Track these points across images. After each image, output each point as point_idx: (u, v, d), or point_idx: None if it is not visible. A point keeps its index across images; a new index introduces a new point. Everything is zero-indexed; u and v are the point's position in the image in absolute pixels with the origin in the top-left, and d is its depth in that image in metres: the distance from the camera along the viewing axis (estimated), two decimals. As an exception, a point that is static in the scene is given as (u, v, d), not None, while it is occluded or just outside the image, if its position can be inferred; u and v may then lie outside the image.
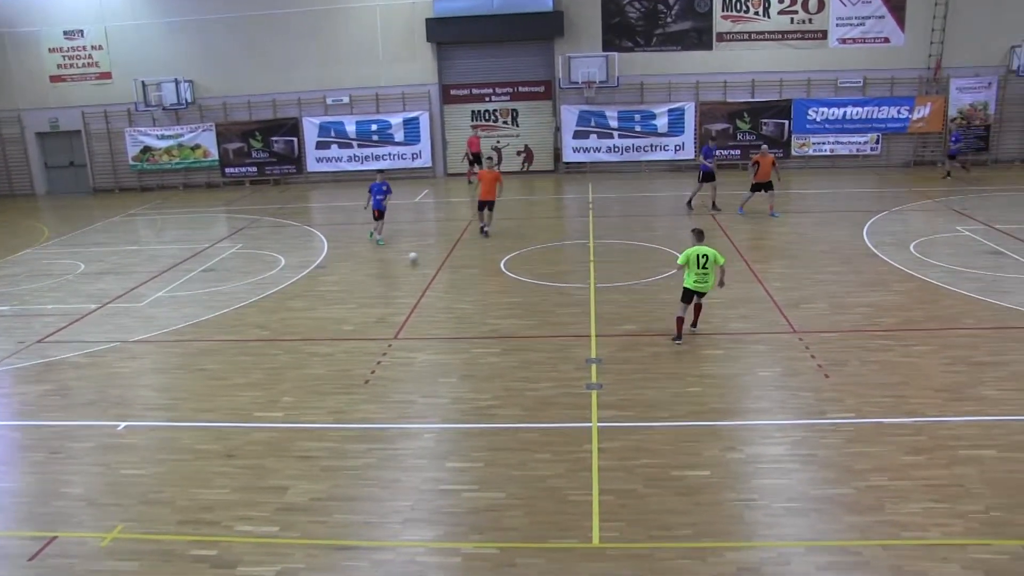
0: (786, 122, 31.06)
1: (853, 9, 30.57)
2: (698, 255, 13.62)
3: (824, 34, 30.79)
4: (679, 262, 13.79)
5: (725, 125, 31.18)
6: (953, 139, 29.26)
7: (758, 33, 30.73)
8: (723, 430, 11.04)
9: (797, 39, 30.77)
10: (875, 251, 19.69)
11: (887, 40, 30.84)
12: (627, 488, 9.62)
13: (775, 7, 30.51)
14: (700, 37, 30.91)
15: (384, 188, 21.55)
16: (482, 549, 8.59)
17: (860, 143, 30.86)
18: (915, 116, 31.07)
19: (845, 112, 30.97)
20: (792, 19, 30.65)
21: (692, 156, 31.30)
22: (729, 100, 31.15)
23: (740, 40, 30.79)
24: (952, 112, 31.02)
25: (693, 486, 9.66)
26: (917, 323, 14.96)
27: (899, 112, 31.10)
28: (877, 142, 31.12)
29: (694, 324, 14.39)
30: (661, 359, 13.47)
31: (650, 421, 11.27)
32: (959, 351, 13.61)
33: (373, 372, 13.24)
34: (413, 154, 32.28)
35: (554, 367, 13.22)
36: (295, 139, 32.69)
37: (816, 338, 14.18)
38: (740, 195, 24.61)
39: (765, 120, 31.06)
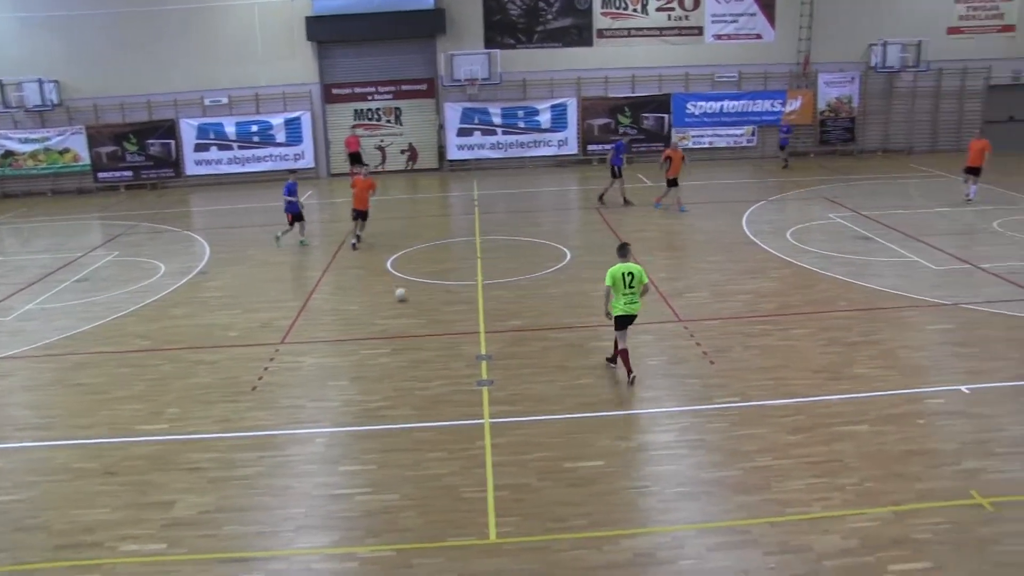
0: (666, 116, 31.75)
1: (727, 7, 31.47)
2: (623, 273, 12.03)
3: (700, 31, 31.62)
4: (606, 283, 12.11)
5: (607, 120, 31.67)
6: (784, 131, 30.48)
7: (637, 29, 31.34)
8: (614, 420, 11.23)
9: (675, 35, 31.51)
10: (754, 239, 20.31)
11: (759, 36, 31.87)
12: (521, 482, 9.68)
13: (653, 4, 31.15)
14: (581, 34, 31.31)
15: (289, 188, 21.10)
16: (378, 552, 8.51)
17: (737, 135, 31.80)
18: (787, 109, 32.17)
19: (722, 106, 31.86)
20: (669, 16, 31.36)
21: (575, 151, 31.71)
22: (610, 95, 31.65)
23: (620, 36, 31.34)
24: (821, 105, 32.24)
25: (586, 477, 9.79)
26: (795, 307, 15.50)
27: (772, 105, 32.16)
28: (753, 134, 32.11)
29: (628, 370, 12.29)
30: (550, 353, 13.59)
31: (541, 415, 11.37)
32: (834, 333, 14.17)
33: (261, 378, 12.97)
34: (295, 155, 31.73)
35: (444, 365, 13.19)
36: (172, 141, 31.72)
37: (700, 326, 14.55)
38: (603, 189, 25.07)
39: (646, 114, 31.68)
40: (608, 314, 12.33)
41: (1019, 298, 15.75)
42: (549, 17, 31.14)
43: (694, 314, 15.20)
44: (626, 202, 24.84)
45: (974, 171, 23.28)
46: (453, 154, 31.77)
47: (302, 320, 15.66)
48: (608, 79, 31.50)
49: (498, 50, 30.77)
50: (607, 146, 30.94)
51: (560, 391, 12.11)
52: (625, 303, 12.09)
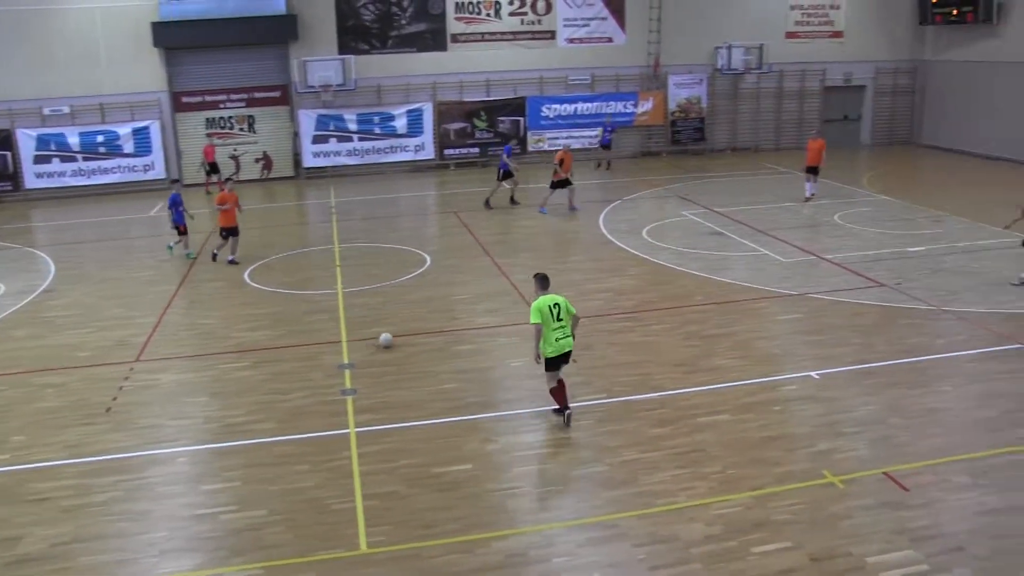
0: (521, 119, 32.06)
1: (578, 11, 32.06)
2: (550, 306, 10.79)
3: (553, 34, 32.08)
4: (532, 320, 10.75)
5: (463, 124, 31.74)
6: (607, 129, 30.96)
7: (491, 34, 31.54)
8: (480, 423, 11.22)
9: (528, 39, 31.86)
10: (611, 239, 20.71)
11: (610, 40, 32.59)
12: (390, 491, 9.57)
13: (506, 9, 31.42)
14: (435, 38, 31.27)
15: (175, 199, 20.16)
16: (246, 571, 8.25)
17: (591, 137, 32.33)
18: (640, 110, 33.01)
19: (576, 108, 32.40)
20: (522, 20, 31.69)
21: (432, 156, 31.63)
22: (466, 100, 31.73)
23: (474, 41, 31.47)
24: (671, 106, 33.20)
25: (455, 481, 9.75)
26: (654, 303, 15.89)
27: (625, 107, 32.93)
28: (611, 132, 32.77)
29: (565, 407, 11.16)
30: (414, 359, 13.50)
31: (408, 421, 11.27)
32: (692, 326, 14.59)
33: (115, 399, 12.37)
34: (145, 166, 30.48)
35: (306, 376, 12.92)
36: (8, 153, 29.94)
37: (563, 326, 14.71)
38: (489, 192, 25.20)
39: (502, 118, 31.90)
40: (538, 357, 10.94)
41: (860, 286, 16.61)
42: (403, 22, 30.98)
43: (557, 314, 15.35)
44: (513, 202, 25.06)
45: (813, 170, 24.28)
46: (309, 162, 31.19)
47: (158, 336, 15.04)
48: (463, 83, 31.58)
49: (352, 56, 30.38)
50: (460, 150, 31.26)
51: (425, 396, 12.04)
52: (556, 339, 10.78)
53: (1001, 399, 11.75)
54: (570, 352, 10.99)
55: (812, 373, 12.64)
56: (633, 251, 19.58)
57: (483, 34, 31.45)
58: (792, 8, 34.01)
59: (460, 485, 9.67)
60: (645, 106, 33.01)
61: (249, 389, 12.54)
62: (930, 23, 34.28)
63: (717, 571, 8.05)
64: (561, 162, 23.69)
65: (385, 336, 14.01)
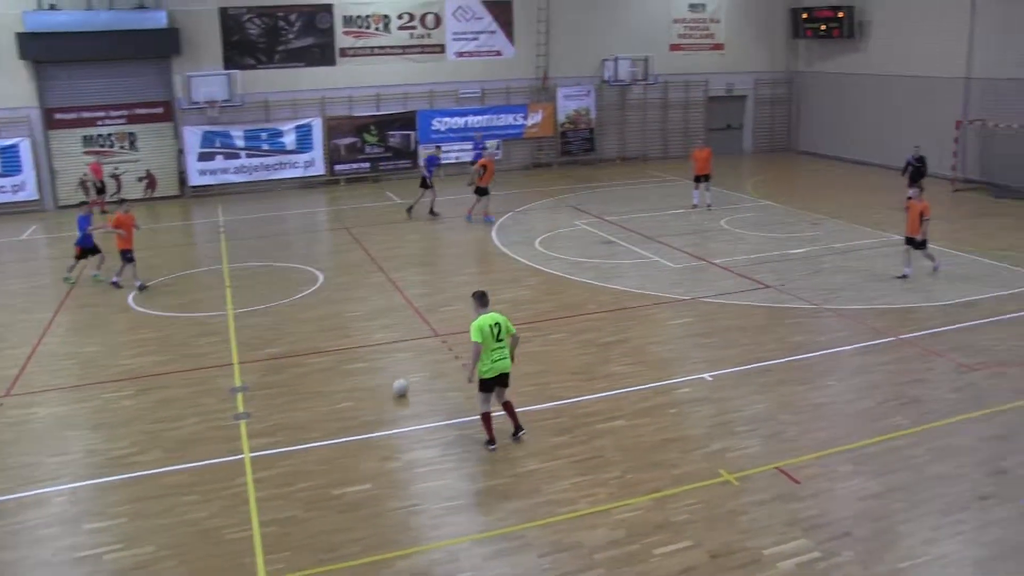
0: (412, 133, 31.94)
1: (467, 24, 32.17)
2: (490, 325, 10.49)
3: (442, 48, 32.09)
4: (473, 338, 10.41)
5: (353, 139, 31.41)
6: (478, 145, 30.16)
7: (380, 48, 31.33)
8: (378, 441, 11.09)
9: (418, 53, 31.78)
10: (505, 250, 20.80)
11: (499, 53, 32.80)
12: (288, 515, 9.36)
13: (395, 23, 31.26)
14: (323, 53, 30.88)
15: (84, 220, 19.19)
16: (135, 606, 7.94)
17: (484, 150, 32.37)
18: (530, 122, 33.29)
19: (467, 121, 32.46)
20: (411, 34, 31.59)
21: (322, 172, 31.18)
22: (356, 114, 31.42)
23: (363, 55, 31.20)
24: (561, 118, 33.59)
25: (355, 502, 9.60)
26: (549, 313, 16.00)
27: (515, 119, 33.16)
28: (498, 148, 32.90)
29: (517, 430, 11.00)
30: (308, 379, 13.26)
31: (304, 443, 11.05)
32: (587, 335, 14.74)
33: (-13, 434, 11.75)
34: (14, 186, 29.13)
35: (197, 402, 12.53)
36: None
37: (458, 339, 14.67)
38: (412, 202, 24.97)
39: (392, 132, 31.69)
40: (471, 379, 10.71)
41: (747, 288, 17.08)
42: (290, 36, 30.51)
43: (451, 327, 15.32)
44: (432, 213, 25.06)
45: (702, 179, 24.83)
46: (195, 180, 30.40)
47: (32, 367, 14.34)
48: (353, 98, 31.28)
49: (238, 71, 29.74)
50: (351, 165, 31.01)
51: (321, 417, 11.84)
52: (495, 360, 10.53)
53: (878, 390, 12.28)
54: (507, 374, 10.77)
55: (705, 375, 12.92)
56: (527, 262, 19.70)
57: (372, 48, 31.23)
58: (675, 22, 34.89)
59: (360, 505, 9.53)
60: (535, 118, 33.31)
61: (135, 418, 12.08)
62: (802, 37, 35.74)
63: (622, 575, 8.13)
64: (484, 168, 23.89)
65: (400, 384, 12.49)
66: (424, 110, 31.94)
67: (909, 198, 18.05)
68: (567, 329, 15.13)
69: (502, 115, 32.91)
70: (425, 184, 25.26)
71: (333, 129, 31.16)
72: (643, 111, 35.13)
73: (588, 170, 33.15)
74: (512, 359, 10.84)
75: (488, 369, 10.55)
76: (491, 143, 32.31)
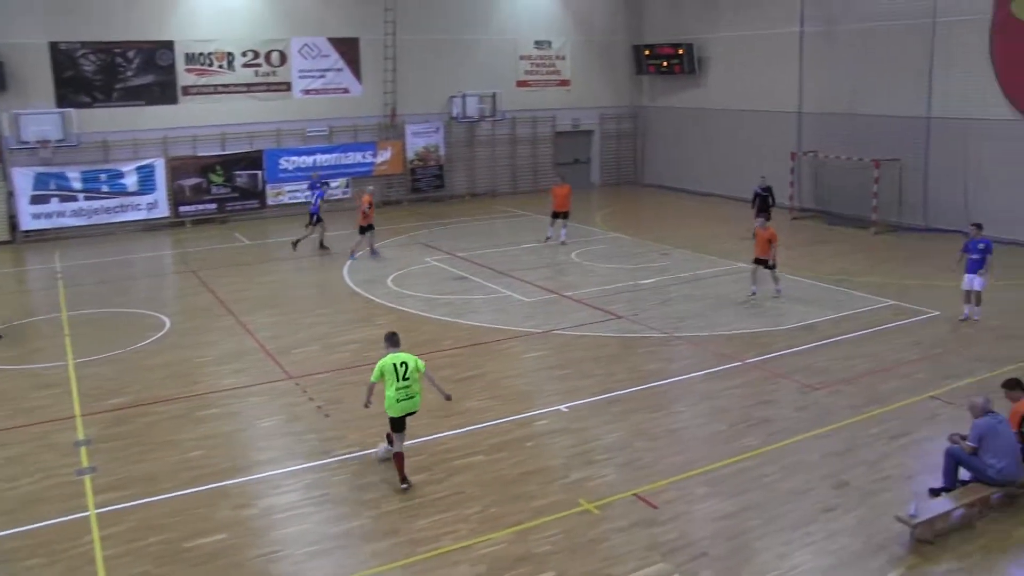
0: (259, 172, 31.27)
1: (313, 62, 31.85)
2: (395, 364, 10.55)
3: (289, 86, 31.63)
4: (372, 379, 10.60)
5: (199, 180, 30.47)
6: (312, 186, 27.03)
7: (224, 86, 30.62)
8: (233, 489, 10.76)
9: (263, 91, 31.22)
10: (357, 289, 20.61)
11: (347, 91, 32.62)
12: (139, 572, 8.96)
13: (239, 61, 30.61)
14: (164, 91, 29.93)
15: None
16: None
17: (332, 188, 32.09)
18: (379, 160, 33.18)
19: (315, 159, 32.02)
20: (256, 72, 31.02)
21: (167, 214, 30.09)
22: (200, 154, 30.56)
23: (207, 93, 30.41)
24: (410, 155, 33.64)
25: (210, 553, 9.28)
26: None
27: (364, 157, 32.98)
28: (347, 186, 32.64)
29: (403, 478, 10.70)
30: (157, 428, 12.74)
31: (154, 496, 10.59)
32: (444, 371, 14.67)
33: None
34: None
35: (37, 458, 11.81)
36: None
37: (312, 380, 14.46)
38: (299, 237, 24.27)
39: (239, 172, 30.94)
40: (367, 404, 10.85)
41: (599, 320, 17.49)
42: (129, 74, 29.44)
43: (305, 369, 15.06)
44: (322, 247, 24.96)
45: (560, 215, 25.27)
46: (27, 224, 28.82)
47: None
48: (197, 137, 30.43)
49: (73, 109, 28.46)
50: (197, 206, 30.16)
51: (172, 467, 11.39)
52: (399, 399, 10.54)
53: (728, 413, 12.78)
54: (415, 413, 10.78)
55: (561, 406, 13.13)
56: (380, 300, 19.57)
57: (216, 86, 30.50)
58: (521, 58, 35.62)
59: (217, 556, 9.20)
60: (384, 155, 33.24)
61: (-33, 478, 11.34)
62: (645, 73, 37.17)
63: (483, 611, 8.14)
64: (370, 206, 23.89)
65: (381, 448, 11.49)
66: (271, 149, 31.37)
67: (757, 228, 18.98)
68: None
69: (351, 153, 32.69)
70: (313, 220, 25.15)
71: (177, 169, 30.19)
72: (492, 147, 35.62)
73: (438, 207, 33.28)
74: (441, 393, 10.99)
75: (395, 410, 10.57)
76: (338, 182, 31.99)
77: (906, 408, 12.86)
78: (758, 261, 18.87)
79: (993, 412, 10.05)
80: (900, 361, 14.94)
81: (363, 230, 24.01)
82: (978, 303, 17.21)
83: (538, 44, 35.91)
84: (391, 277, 21.63)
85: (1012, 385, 10.55)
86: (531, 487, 10.57)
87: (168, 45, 29.56)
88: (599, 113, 37.83)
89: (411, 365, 10.64)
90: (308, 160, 31.85)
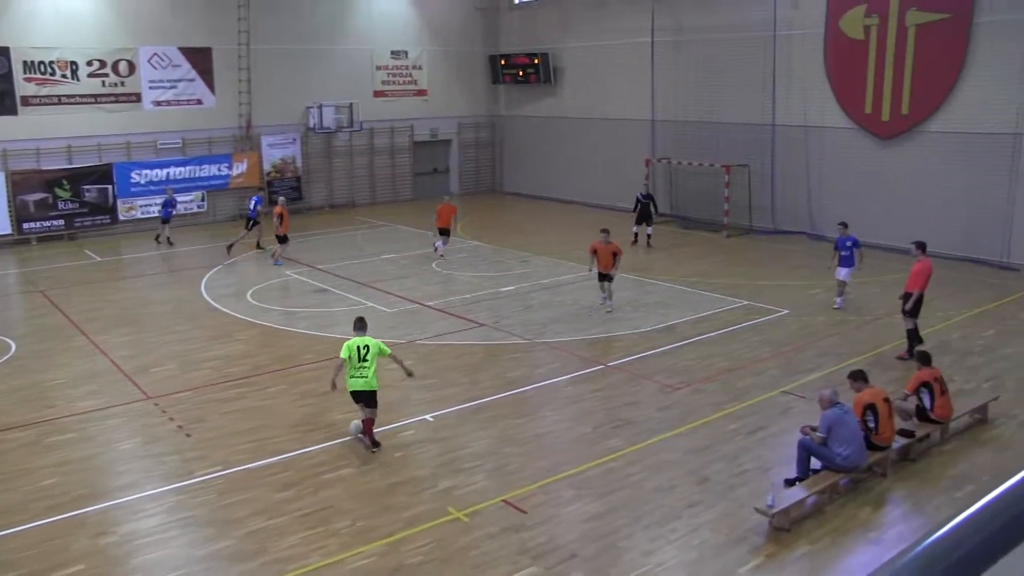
0: (110, 187, 30.01)
1: (164, 72, 30.74)
2: (358, 347, 11.69)
3: (139, 97, 30.41)
4: (341, 355, 11.72)
5: (44, 195, 28.95)
6: (166, 204, 27.76)
7: (69, 97, 29.22)
8: (91, 516, 10.32)
9: (111, 102, 29.95)
10: (216, 305, 20.09)
11: (200, 102, 31.65)
12: (-13, 609, 8.50)
13: (84, 70, 29.24)
14: (3, 101, 28.34)
15: None
16: None
17: (187, 202, 31.12)
18: (235, 172, 32.37)
19: (168, 173, 30.96)
20: (104, 82, 29.72)
21: (9, 231, 28.44)
22: (44, 168, 29.07)
23: (50, 104, 28.94)
24: (266, 167, 32.95)
25: (66, 584, 8.88)
26: (265, 367, 15.64)
27: (219, 169, 32.09)
28: (203, 200, 31.76)
29: (372, 444, 11.83)
30: (7, 458, 12.07)
31: (5, 529, 10.04)
32: (306, 385, 14.56)
33: None
34: None
35: None
36: None
37: (171, 400, 14.02)
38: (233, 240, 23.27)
39: (87, 186, 29.60)
40: (333, 384, 11.93)
41: (462, 328, 17.59)
42: (-39, 84, 27.85)
43: (163, 389, 14.59)
44: (259, 247, 26.02)
45: (445, 232, 24.72)
46: None
47: None
48: (40, 150, 28.93)
49: None
50: (42, 223, 28.79)
51: (24, 497, 10.81)
52: (352, 377, 11.73)
53: (593, 415, 13.08)
54: (368, 392, 11.73)
55: (427, 416, 13.15)
56: (239, 315, 19.14)
57: (60, 97, 29.05)
58: (378, 68, 35.45)
59: (72, 587, 8.83)
60: (240, 168, 32.47)
61: None
62: (502, 82, 37.59)
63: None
64: (280, 217, 23.90)
65: (355, 424, 12.37)
66: (121, 162, 30.17)
67: (597, 242, 18.73)
68: (285, 381, 14.86)
69: (205, 165, 31.78)
70: (249, 224, 26.13)
71: (19, 184, 28.62)
72: (350, 158, 35.32)
73: (297, 219, 32.53)
74: (407, 372, 12.38)
75: (349, 383, 11.78)
76: (192, 196, 31.05)
77: (761, 404, 13.46)
78: (603, 277, 18.69)
79: (840, 403, 10.65)
80: (754, 359, 15.62)
81: (281, 239, 24.25)
82: (841, 294, 18.67)
83: (395, 54, 35.85)
84: (250, 291, 21.17)
85: (855, 376, 11.26)
86: (400, 498, 10.56)
87: (4, 52, 27.88)
88: (457, 122, 38.05)
89: (372, 349, 11.78)
90: (161, 173, 30.78)
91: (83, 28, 28.96)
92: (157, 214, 28.83)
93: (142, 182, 30.48)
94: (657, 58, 30.82)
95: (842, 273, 18.52)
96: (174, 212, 27.90)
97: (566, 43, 34.99)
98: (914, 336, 15.58)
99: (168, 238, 27.53)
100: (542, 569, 8.91)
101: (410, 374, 12.51)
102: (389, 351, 12.06)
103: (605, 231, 18.85)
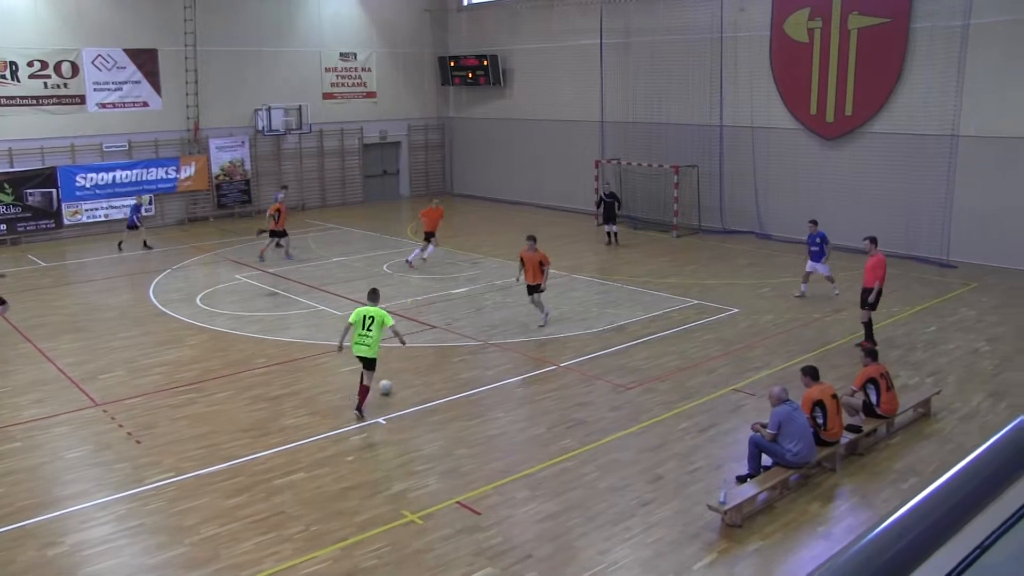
0: (54, 191, 29.40)
1: (109, 74, 30.19)
2: (364, 316, 13.01)
3: (83, 99, 29.82)
4: (350, 319, 13.16)
5: (-17, 199, 28.38)
6: (133, 211, 27.59)
7: (9, 98, 28.54)
8: (37, 527, 10.13)
9: (54, 104, 29.35)
10: (164, 310, 19.82)
11: (146, 104, 31.14)
12: (-69, 623, 8.31)
13: (25, 71, 28.60)
14: (-63, 104, 27.73)
15: None
16: None
17: (134, 206, 30.61)
18: (182, 176, 31.92)
19: (114, 176, 30.42)
20: (46, 84, 29.11)
21: (-52, 237, 27.85)
22: (-16, 172, 28.47)
23: (-12, 106, 28.35)
24: (215, 170, 32.57)
25: (12, 596, 8.72)
26: (215, 372, 15.48)
27: (167, 173, 31.61)
28: (150, 203, 31.28)
29: (358, 408, 13.11)
30: (-51, 467, 11.85)
31: (-53, 539, 9.85)
32: (257, 390, 14.44)
33: None
34: None
35: None
36: None
37: (121, 407, 13.82)
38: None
39: (30, 190, 28.94)
40: (340, 347, 13.33)
41: (414, 330, 17.54)
42: None
43: (112, 395, 14.38)
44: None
45: (430, 235, 24.38)
46: None
47: None
48: (-21, 154, 28.33)
49: None
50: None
51: (-34, 508, 10.61)
52: (356, 343, 13.07)
53: (547, 416, 13.14)
54: (368, 359, 13.03)
55: (379, 419, 13.11)
56: (189, 320, 18.91)
57: (1, 98, 28.45)
58: (327, 71, 35.22)
59: (18, 600, 8.67)
60: (187, 171, 32.03)
61: None
62: (451, 84, 37.55)
63: (311, 630, 8.04)
64: (279, 212, 24.22)
65: (384, 383, 14.02)
66: (66, 166, 29.60)
67: (524, 251, 17.72)
68: (235, 386, 14.72)
69: (152, 168, 31.29)
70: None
71: (-43, 188, 28.00)
72: (299, 160, 35.03)
73: (246, 222, 32.35)
74: (402, 342, 13.63)
75: (354, 350, 13.16)
76: (145, 198, 30.55)
77: (712, 402, 13.63)
78: (531, 289, 17.64)
79: (789, 400, 10.82)
80: (705, 357, 15.80)
81: (274, 234, 24.57)
82: (832, 281, 19.73)
83: (343, 56, 35.65)
84: (200, 295, 20.93)
85: (807, 372, 11.46)
86: (354, 502, 10.52)
87: (-60, 53, 27.26)
88: (407, 125, 37.96)
89: (377, 320, 12.95)
90: (108, 177, 30.25)
91: (21, 28, 28.31)
92: (124, 216, 28.68)
93: (87, 186, 29.94)
94: (606, 60, 31.03)
95: (821, 269, 19.55)
96: (138, 217, 27.39)
97: (515, 45, 35.09)
98: (870, 328, 16.07)
99: (145, 241, 27.09)
100: (498, 570, 8.94)
101: (403, 343, 13.69)
102: (392, 323, 13.12)
103: (531, 238, 17.77)
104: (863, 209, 24.51)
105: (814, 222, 19.69)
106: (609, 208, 26.54)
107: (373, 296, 13.51)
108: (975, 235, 22.74)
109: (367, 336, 12.94)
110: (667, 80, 29.34)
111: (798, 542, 9.68)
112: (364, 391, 13.09)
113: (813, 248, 19.57)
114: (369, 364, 13.09)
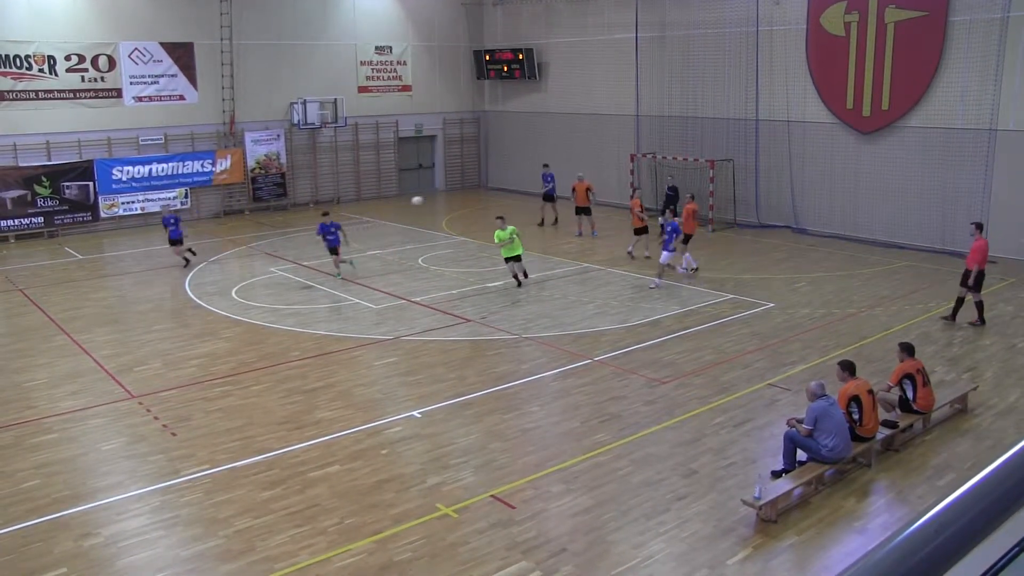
0: (91, 184, 29.73)
1: (145, 68, 30.46)
2: (511, 233, 20.00)
3: (119, 92, 30.14)
4: (504, 236, 19.93)
5: (23, 191, 28.69)
6: (170, 220, 24.65)
7: (47, 92, 28.92)
8: (73, 518, 10.20)
9: (91, 98, 29.65)
10: (200, 302, 19.97)
11: (182, 98, 31.41)
12: (-30, 612, 8.40)
13: (63, 65, 28.93)
14: (-23, 97, 28.09)
15: None
16: None
17: (170, 199, 30.94)
18: (218, 169, 32.16)
19: (151, 169, 30.72)
20: (83, 77, 29.43)
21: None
22: (23, 164, 28.79)
23: (27, 99, 28.64)
24: (250, 163, 32.77)
25: (50, 586, 8.79)
26: (250, 364, 15.54)
27: (203, 166, 31.87)
28: (186, 196, 31.55)
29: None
30: (-13, 457, 11.98)
31: (-16, 530, 9.95)
32: (292, 383, 14.48)
33: None
34: None
35: None
36: None
37: (156, 399, 13.92)
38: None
39: (67, 183, 29.33)
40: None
41: (449, 324, 17.54)
42: (-66, 81, 27.51)
43: (148, 388, 14.48)
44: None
45: (584, 211, 26.13)
46: None
47: None
48: (18, 146, 28.64)
49: None
50: (21, 220, 28.45)
51: (3, 500, 10.64)
52: (504, 248, 20.20)
53: (580, 410, 13.05)
54: (513, 257, 20.12)
55: (414, 412, 13.10)
56: (224, 313, 19.03)
57: (37, 92, 28.76)
58: (362, 64, 35.30)
59: (56, 590, 8.74)
60: (223, 164, 32.26)
61: None
62: (486, 78, 37.49)
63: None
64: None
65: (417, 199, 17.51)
66: (102, 159, 29.93)
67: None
68: (271, 379, 14.78)
69: (188, 162, 31.56)
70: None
71: (-3, 181, 28.35)
72: (334, 154, 35.17)
73: (282, 215, 32.61)
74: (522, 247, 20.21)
75: (504, 251, 20.17)
76: (175, 192, 30.77)
77: (747, 396, 13.48)
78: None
79: (826, 395, 10.67)
80: (740, 352, 15.64)
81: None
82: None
83: (379, 49, 35.71)
84: (235, 289, 21.06)
85: (844, 366, 11.31)
86: (388, 495, 10.51)
87: (-21, 46, 27.60)
88: (442, 118, 37.96)
89: (517, 239, 20.08)
90: (144, 170, 30.54)
91: (60, 22, 28.66)
92: (160, 210, 27.78)
93: (124, 179, 30.24)
94: (641, 53, 30.82)
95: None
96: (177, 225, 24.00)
97: (551, 38, 34.97)
98: (981, 307, 16.81)
99: (190, 248, 24.11)
100: (532, 563, 8.89)
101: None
102: (511, 233, 20.00)
103: (500, 218, 20.64)
104: (899, 203, 24.17)
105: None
106: (671, 201, 26.66)
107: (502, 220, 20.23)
108: (1013, 230, 22.32)
109: (511, 242, 19.98)
110: (702, 74, 29.09)
111: (833, 538, 9.54)
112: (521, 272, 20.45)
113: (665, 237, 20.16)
114: (518, 259, 20.23)
